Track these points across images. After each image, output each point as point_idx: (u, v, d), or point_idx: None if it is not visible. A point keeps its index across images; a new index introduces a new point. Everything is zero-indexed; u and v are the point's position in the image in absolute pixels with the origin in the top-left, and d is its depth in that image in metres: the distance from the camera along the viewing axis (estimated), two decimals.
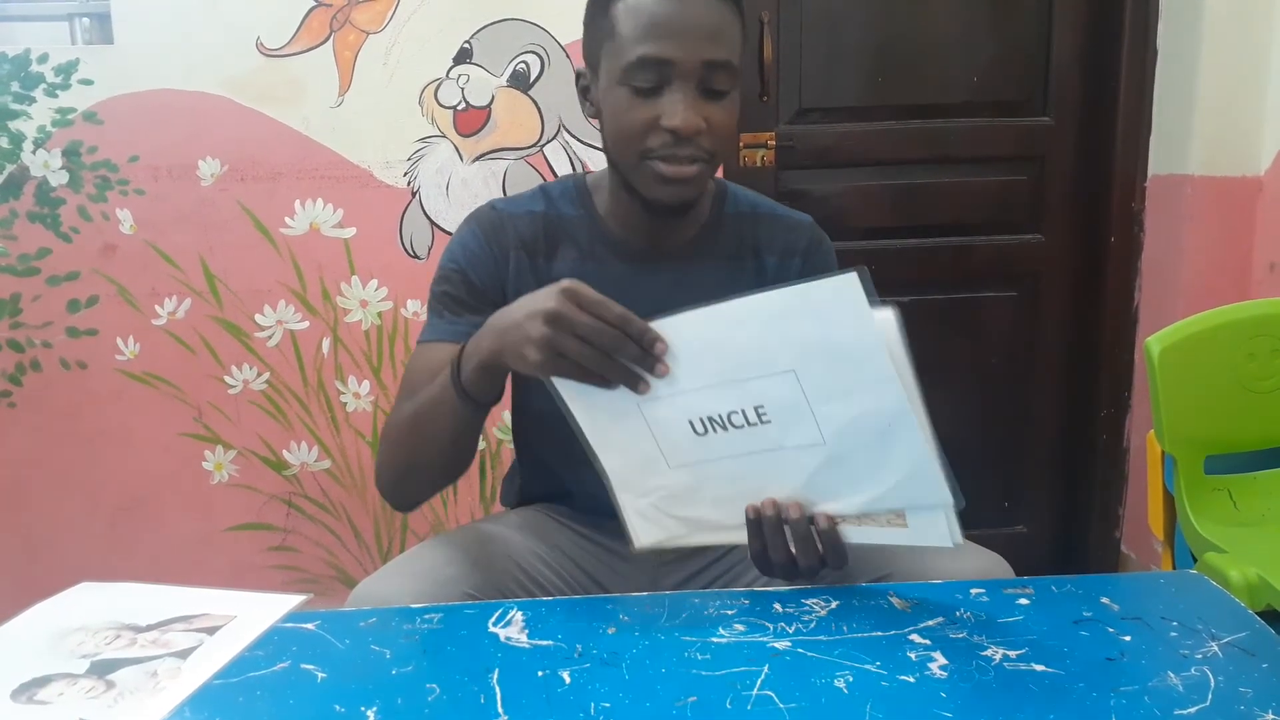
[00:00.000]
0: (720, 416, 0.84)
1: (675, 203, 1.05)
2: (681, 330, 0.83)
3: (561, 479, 1.18)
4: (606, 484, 0.91)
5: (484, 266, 1.11)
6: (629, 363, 0.82)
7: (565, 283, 0.84)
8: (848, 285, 0.76)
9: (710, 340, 0.82)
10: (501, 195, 2.03)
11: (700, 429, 0.85)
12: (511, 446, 1.30)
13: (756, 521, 0.87)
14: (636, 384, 0.83)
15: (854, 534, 0.87)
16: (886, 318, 0.78)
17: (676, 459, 0.88)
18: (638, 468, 0.89)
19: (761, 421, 0.83)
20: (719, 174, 1.33)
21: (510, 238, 1.12)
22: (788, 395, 0.81)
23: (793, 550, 0.87)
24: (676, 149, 1.00)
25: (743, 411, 0.83)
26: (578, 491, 1.17)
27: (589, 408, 0.88)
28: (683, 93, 0.99)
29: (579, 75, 1.10)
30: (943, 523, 0.83)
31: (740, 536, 0.88)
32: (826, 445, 0.82)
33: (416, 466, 1.04)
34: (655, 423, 0.86)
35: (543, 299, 0.84)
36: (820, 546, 0.86)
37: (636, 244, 1.12)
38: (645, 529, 0.92)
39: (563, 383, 0.87)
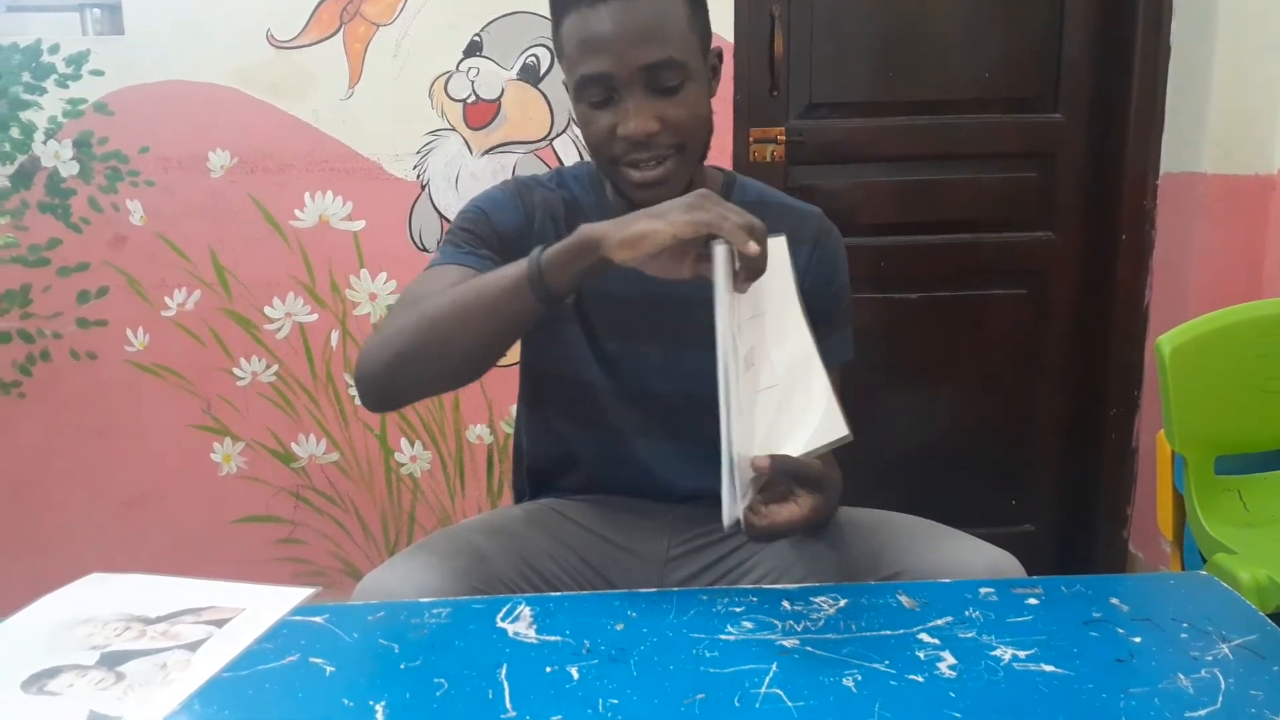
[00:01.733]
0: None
1: (655, 203, 1.05)
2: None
3: (568, 443, 1.18)
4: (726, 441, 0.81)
5: (510, 216, 1.11)
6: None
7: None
8: (780, 246, 0.90)
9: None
10: None
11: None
12: (515, 427, 1.30)
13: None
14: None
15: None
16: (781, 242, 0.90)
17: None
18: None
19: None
20: (729, 166, 1.32)
21: (537, 200, 1.14)
22: (759, 337, 0.88)
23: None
24: (637, 153, 1.03)
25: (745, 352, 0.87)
26: (583, 456, 1.18)
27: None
28: (630, 100, 1.01)
29: (567, 87, 1.10)
30: (834, 410, 0.89)
31: None
32: (778, 386, 0.88)
33: (437, 355, 0.95)
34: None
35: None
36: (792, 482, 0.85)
37: None
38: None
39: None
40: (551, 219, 1.13)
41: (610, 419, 1.14)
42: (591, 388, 1.14)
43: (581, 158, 2.03)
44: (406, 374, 0.96)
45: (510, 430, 2.13)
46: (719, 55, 1.10)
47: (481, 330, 0.93)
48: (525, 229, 1.11)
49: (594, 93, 1.02)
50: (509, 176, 1.97)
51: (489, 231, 1.09)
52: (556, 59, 1.10)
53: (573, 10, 1.01)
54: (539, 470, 1.24)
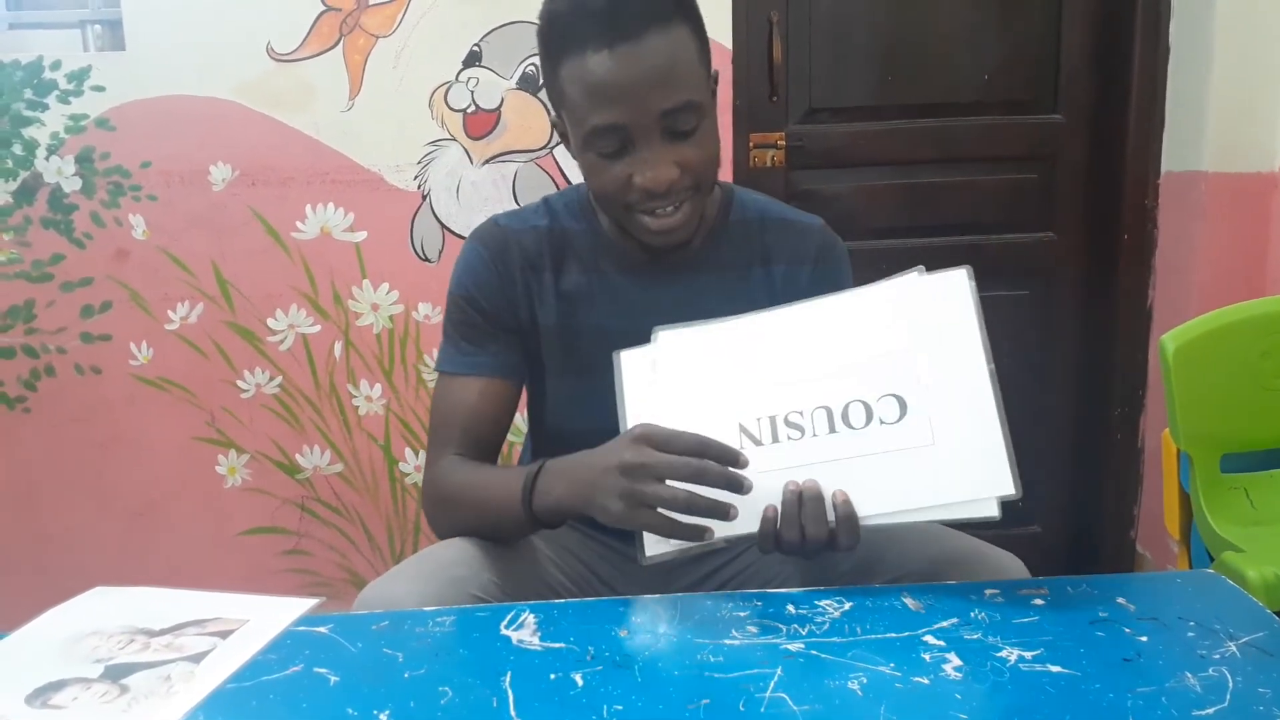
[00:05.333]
0: (796, 416, 0.89)
1: (671, 246, 1.04)
2: (786, 320, 0.92)
3: None
4: None
5: (492, 288, 1.10)
6: (714, 488, 0.84)
7: (637, 430, 0.87)
8: (958, 282, 0.89)
9: (803, 336, 0.92)
10: (512, 197, 2.03)
11: (763, 433, 0.89)
12: (522, 448, 1.30)
13: (771, 518, 0.87)
14: (725, 513, 0.84)
15: (898, 514, 0.87)
16: (961, 277, 0.90)
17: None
18: None
19: (841, 421, 0.88)
20: (729, 178, 1.32)
21: (515, 257, 1.10)
22: (876, 398, 0.88)
23: (804, 527, 0.87)
24: (655, 202, 0.99)
25: (825, 410, 0.89)
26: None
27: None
28: (647, 149, 0.97)
29: (554, 123, 1.07)
30: (1002, 464, 0.85)
31: (750, 529, 0.88)
32: (898, 430, 0.87)
33: (482, 535, 1.07)
34: (717, 421, 0.90)
35: (617, 450, 0.87)
36: (833, 518, 0.86)
37: (641, 257, 1.11)
38: (657, 540, 0.91)
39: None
40: (534, 271, 1.10)
41: None
42: (560, 431, 1.12)
43: None
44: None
45: (515, 440, 2.13)
46: (715, 78, 1.07)
47: (507, 535, 1.05)
48: (509, 297, 1.10)
49: (607, 143, 0.97)
50: (509, 187, 2.02)
51: (480, 318, 1.09)
52: (551, 104, 1.05)
53: (572, 54, 0.95)
54: None
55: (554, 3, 0.99)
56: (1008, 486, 0.84)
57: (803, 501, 0.86)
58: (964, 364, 0.88)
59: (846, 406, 0.88)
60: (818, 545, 0.87)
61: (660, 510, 0.85)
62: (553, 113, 1.06)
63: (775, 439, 0.89)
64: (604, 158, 0.98)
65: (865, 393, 0.88)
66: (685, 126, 0.98)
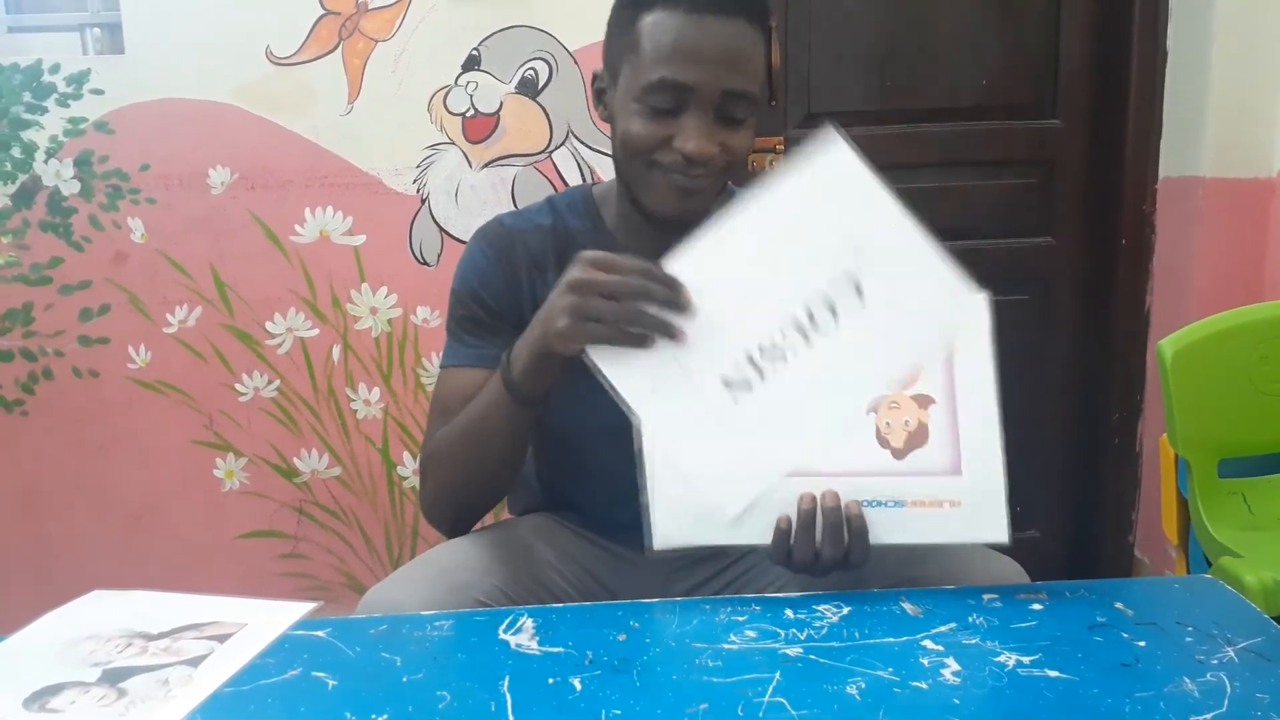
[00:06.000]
0: (770, 343, 0.88)
1: (680, 216, 1.03)
2: (703, 260, 0.89)
3: (572, 495, 1.18)
4: (640, 466, 0.89)
5: (497, 287, 1.10)
6: (658, 310, 0.87)
7: (583, 253, 0.89)
8: (833, 144, 0.92)
9: (730, 263, 0.89)
10: (510, 201, 2.03)
11: (749, 375, 0.88)
12: None
13: (785, 529, 0.88)
14: (671, 331, 0.87)
15: (902, 531, 0.88)
16: (981, 301, 0.95)
17: (726, 426, 0.88)
18: (684, 438, 0.89)
19: (810, 327, 0.88)
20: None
21: (520, 256, 1.10)
22: (826, 283, 0.89)
23: (818, 545, 0.87)
24: (687, 170, 0.99)
25: (792, 322, 0.88)
26: (588, 509, 1.17)
27: (631, 382, 0.90)
28: (699, 119, 0.98)
29: (596, 77, 1.08)
30: (1000, 511, 0.86)
31: (763, 539, 0.88)
32: (866, 309, 0.88)
33: (472, 483, 1.06)
34: (701, 384, 0.88)
35: (567, 273, 0.89)
36: (847, 536, 0.87)
37: (645, 257, 1.11)
38: (668, 527, 0.89)
39: (601, 357, 0.89)
40: (539, 270, 1.10)
41: (586, 457, 1.13)
42: (562, 429, 1.11)
43: (581, 172, 2.03)
44: (462, 512, 1.09)
45: None
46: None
47: (495, 446, 1.02)
48: (514, 295, 1.10)
49: (664, 100, 0.97)
50: (508, 191, 2.02)
51: (484, 314, 1.09)
52: (609, 54, 1.05)
53: (664, 8, 0.97)
54: (544, 509, 1.23)
55: None
56: (1001, 534, 0.87)
57: (821, 519, 0.86)
58: (977, 402, 0.94)
59: (809, 309, 0.88)
60: (831, 565, 0.87)
61: (606, 325, 0.88)
62: (601, 66, 1.07)
63: (762, 376, 0.88)
64: (653, 113, 0.99)
65: (820, 284, 0.89)
66: (738, 114, 0.99)
